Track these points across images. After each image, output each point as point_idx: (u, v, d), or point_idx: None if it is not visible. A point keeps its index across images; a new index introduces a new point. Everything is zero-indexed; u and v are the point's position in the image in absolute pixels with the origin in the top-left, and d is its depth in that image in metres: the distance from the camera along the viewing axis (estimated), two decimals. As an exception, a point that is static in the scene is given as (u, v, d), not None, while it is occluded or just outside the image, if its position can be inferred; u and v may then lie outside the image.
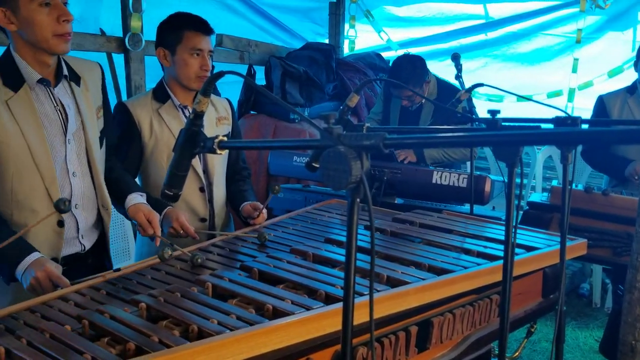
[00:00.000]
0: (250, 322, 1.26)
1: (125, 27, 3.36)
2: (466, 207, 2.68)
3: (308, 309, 1.33)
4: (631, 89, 3.10)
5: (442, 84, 3.31)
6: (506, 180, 1.21)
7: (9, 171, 1.70)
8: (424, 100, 3.24)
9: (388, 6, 5.18)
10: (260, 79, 4.39)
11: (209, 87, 1.22)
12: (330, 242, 1.91)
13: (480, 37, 4.95)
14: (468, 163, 3.24)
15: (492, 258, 1.77)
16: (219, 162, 2.30)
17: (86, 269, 1.81)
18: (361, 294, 1.39)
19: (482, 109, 3.35)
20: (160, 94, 2.22)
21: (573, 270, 4.17)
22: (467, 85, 3.07)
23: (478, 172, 2.69)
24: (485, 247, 1.88)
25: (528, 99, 2.32)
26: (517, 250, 1.85)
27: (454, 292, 1.59)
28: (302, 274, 1.57)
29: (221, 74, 1.19)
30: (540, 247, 1.92)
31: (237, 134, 2.45)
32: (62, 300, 1.47)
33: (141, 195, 1.99)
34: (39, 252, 1.67)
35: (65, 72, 1.80)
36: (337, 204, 2.54)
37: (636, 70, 3.04)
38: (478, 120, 2.16)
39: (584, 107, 4.40)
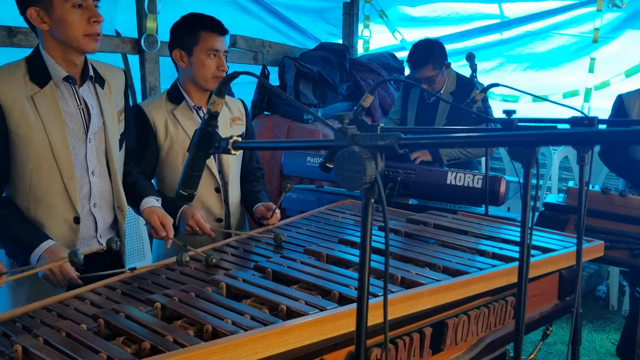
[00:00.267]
0: (265, 322, 1.26)
1: (140, 28, 3.38)
2: (481, 209, 2.66)
3: (322, 309, 1.33)
4: (652, 89, 3.06)
5: (461, 78, 3.30)
6: (521, 181, 1.20)
7: (28, 165, 1.73)
8: (442, 91, 3.24)
9: (402, 6, 5.16)
10: (273, 80, 4.40)
11: (224, 88, 1.22)
12: (343, 243, 1.90)
13: (495, 36, 4.90)
14: (483, 164, 3.21)
15: (507, 260, 1.76)
16: (233, 163, 2.31)
17: (104, 269, 1.83)
18: (375, 295, 1.39)
19: (497, 110, 3.34)
20: (175, 96, 2.23)
21: (589, 272, 4.12)
22: (482, 85, 3.07)
23: (493, 173, 2.67)
24: (500, 248, 1.86)
25: (544, 99, 2.29)
26: (532, 251, 1.83)
27: (468, 293, 1.58)
28: (316, 274, 1.57)
29: (235, 75, 1.19)
30: (556, 248, 1.91)
31: (251, 134, 2.46)
32: (78, 299, 1.48)
33: (156, 200, 2.02)
34: (53, 239, 1.71)
35: (91, 72, 1.84)
36: (350, 204, 2.53)
37: None
38: (493, 121, 2.14)
39: (600, 108, 4.35)
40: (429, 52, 3.14)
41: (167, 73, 3.42)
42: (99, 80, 1.88)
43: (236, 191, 2.35)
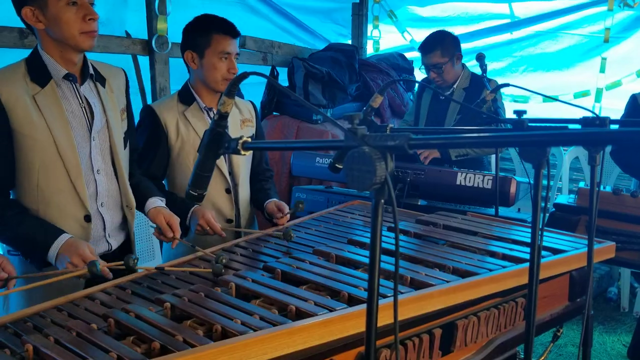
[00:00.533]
0: (274, 322, 1.26)
1: (151, 29, 3.39)
2: (491, 210, 2.65)
3: (331, 310, 1.33)
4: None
5: (475, 76, 3.30)
6: (532, 182, 1.19)
7: (35, 165, 1.73)
8: (455, 86, 3.23)
9: (412, 6, 5.15)
10: (283, 81, 4.40)
11: (233, 89, 1.22)
12: (352, 244, 1.90)
13: (506, 36, 4.88)
14: (493, 165, 3.20)
15: (517, 261, 1.75)
16: (244, 164, 2.32)
17: (128, 268, 1.83)
18: (384, 296, 1.38)
19: (507, 110, 3.33)
20: (186, 97, 2.24)
21: (600, 274, 4.09)
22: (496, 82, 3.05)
23: (503, 174, 2.66)
24: (510, 249, 1.85)
25: (554, 99, 2.27)
26: (543, 252, 1.82)
27: (478, 294, 1.57)
28: (325, 275, 1.57)
29: (245, 75, 1.19)
30: (567, 249, 1.89)
31: (261, 136, 2.47)
32: (88, 299, 1.49)
33: (161, 200, 2.02)
34: (67, 233, 1.70)
35: (91, 71, 1.84)
36: (359, 205, 2.53)
37: None
38: (503, 121, 2.13)
39: (612, 108, 4.32)
40: (439, 39, 3.19)
41: (177, 74, 3.44)
42: (100, 79, 1.87)
43: (246, 192, 2.36)
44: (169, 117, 2.20)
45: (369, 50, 5.24)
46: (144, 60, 3.51)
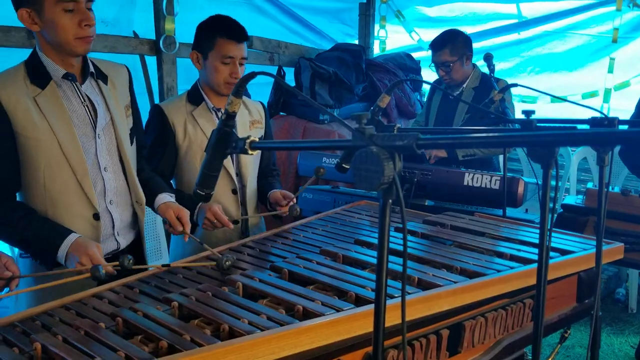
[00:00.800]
0: (281, 322, 1.26)
1: (158, 29, 3.40)
2: (499, 210, 2.64)
3: (338, 310, 1.33)
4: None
5: (485, 76, 3.29)
6: (540, 183, 1.18)
7: (40, 166, 1.73)
8: (465, 85, 3.23)
9: (419, 6, 5.14)
10: (289, 81, 4.41)
11: (241, 88, 1.22)
12: (360, 244, 1.90)
13: (513, 36, 4.86)
14: (501, 165, 3.19)
15: (525, 261, 1.74)
16: (251, 165, 2.32)
17: (124, 268, 1.83)
18: (392, 297, 1.38)
19: (516, 110, 3.32)
20: (195, 97, 2.24)
21: (608, 275, 4.07)
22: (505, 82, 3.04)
23: (511, 174, 2.65)
24: (518, 250, 1.84)
25: (562, 99, 2.26)
26: (551, 253, 1.81)
27: (486, 295, 1.57)
28: (332, 275, 1.57)
29: (253, 75, 1.19)
30: (575, 250, 1.88)
31: (270, 137, 2.47)
32: (96, 298, 1.49)
33: (170, 195, 2.02)
34: (76, 232, 1.70)
35: (92, 69, 1.83)
36: (366, 205, 2.53)
37: None
38: (511, 121, 2.12)
39: (620, 108, 4.29)
40: (449, 38, 3.20)
41: (184, 74, 3.45)
42: (102, 77, 1.86)
43: (253, 193, 2.36)
44: (177, 117, 2.21)
45: (376, 50, 5.24)
46: (151, 61, 3.53)
